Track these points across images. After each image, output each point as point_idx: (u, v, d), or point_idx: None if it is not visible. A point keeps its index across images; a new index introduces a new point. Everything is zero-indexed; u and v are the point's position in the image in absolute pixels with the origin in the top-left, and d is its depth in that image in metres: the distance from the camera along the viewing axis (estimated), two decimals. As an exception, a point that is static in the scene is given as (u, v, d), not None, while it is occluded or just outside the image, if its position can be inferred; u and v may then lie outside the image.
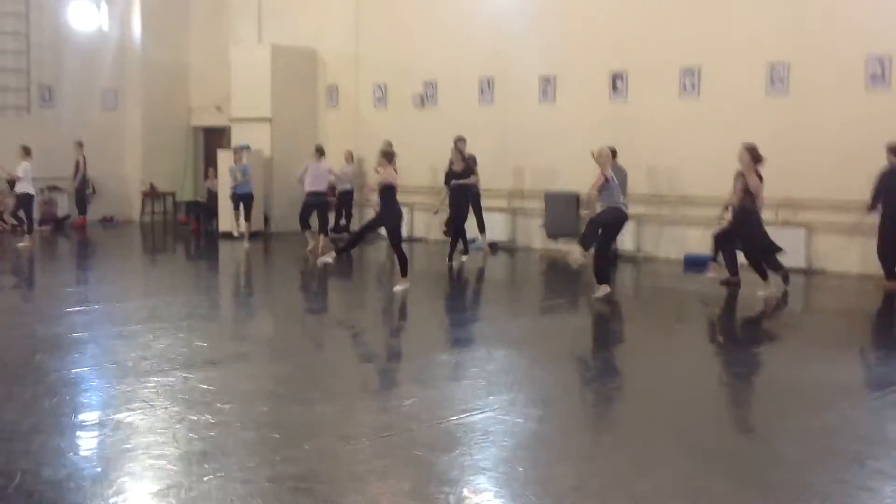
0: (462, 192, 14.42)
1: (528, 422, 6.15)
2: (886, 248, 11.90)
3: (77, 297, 11.68)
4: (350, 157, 18.26)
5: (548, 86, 16.36)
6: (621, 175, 14.23)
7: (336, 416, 6.26)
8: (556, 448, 5.66)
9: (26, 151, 16.50)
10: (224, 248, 17.12)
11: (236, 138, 19.39)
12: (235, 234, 17.28)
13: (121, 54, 21.17)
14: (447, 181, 14.54)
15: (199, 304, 11.30)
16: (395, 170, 11.77)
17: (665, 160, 14.68)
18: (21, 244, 16.22)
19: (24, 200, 16.65)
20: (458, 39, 17.33)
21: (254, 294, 12.79)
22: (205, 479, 4.98)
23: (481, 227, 15.65)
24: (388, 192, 11.48)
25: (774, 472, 5.11)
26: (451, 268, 14.02)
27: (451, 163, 14.60)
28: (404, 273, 11.58)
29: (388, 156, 11.71)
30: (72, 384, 7.16)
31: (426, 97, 18.01)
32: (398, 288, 11.50)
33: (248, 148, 18.42)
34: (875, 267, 12.34)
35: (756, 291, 11.26)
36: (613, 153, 14.53)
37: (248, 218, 17.11)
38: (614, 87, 15.57)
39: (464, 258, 14.67)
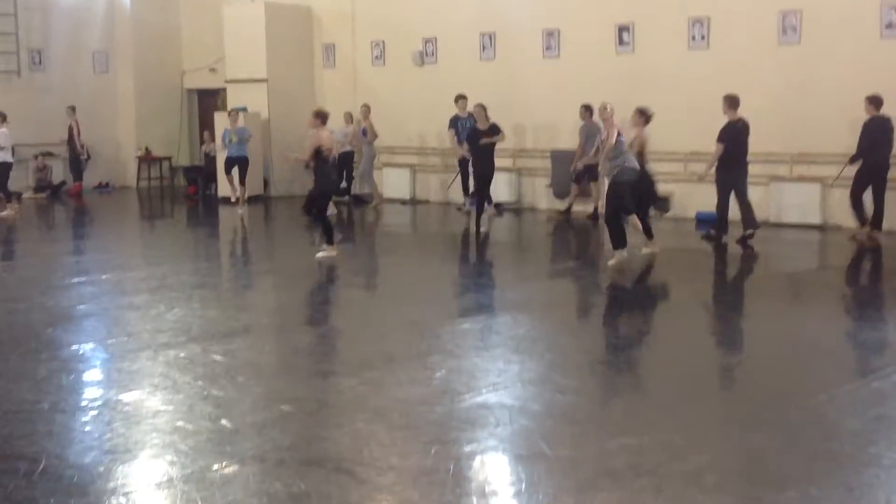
0: (490, 151, 13.67)
1: (566, 394, 5.95)
2: (859, 195, 12.11)
3: (80, 266, 11.40)
4: (349, 118, 17.84)
5: (551, 40, 15.99)
6: (596, 132, 14.02)
7: (366, 390, 6.04)
8: (600, 422, 5.46)
9: (2, 118, 15.93)
10: (224, 213, 16.80)
11: (232, 100, 18.98)
12: (233, 199, 16.92)
13: (111, 16, 20.62)
14: (470, 140, 13.90)
15: (207, 273, 11.05)
16: (328, 132, 11.11)
17: (674, 114, 14.31)
18: (2, 214, 15.59)
19: (1, 169, 15.82)
20: (458, -7, 16.92)
21: (262, 261, 12.50)
22: (238, 460, 4.77)
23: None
24: (318, 157, 10.82)
25: (834, 444, 4.92)
26: (478, 231, 13.43)
27: (475, 121, 14.10)
28: (330, 241, 11.08)
29: (320, 116, 11.02)
30: (87, 360, 6.94)
31: (426, 54, 17.61)
32: (321, 255, 11.02)
33: (244, 110, 18.02)
34: (892, 221, 12.16)
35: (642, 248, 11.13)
36: (589, 111, 14.33)
37: (242, 182, 16.76)
38: (620, 40, 15.21)
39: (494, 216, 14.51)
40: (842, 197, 13.05)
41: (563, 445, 4.99)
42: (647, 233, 11.25)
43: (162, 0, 20.89)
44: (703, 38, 14.39)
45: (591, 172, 14.21)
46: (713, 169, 12.16)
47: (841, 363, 6.60)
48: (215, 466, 4.70)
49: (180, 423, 5.37)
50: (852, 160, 12.08)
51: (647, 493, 4.37)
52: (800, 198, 13.44)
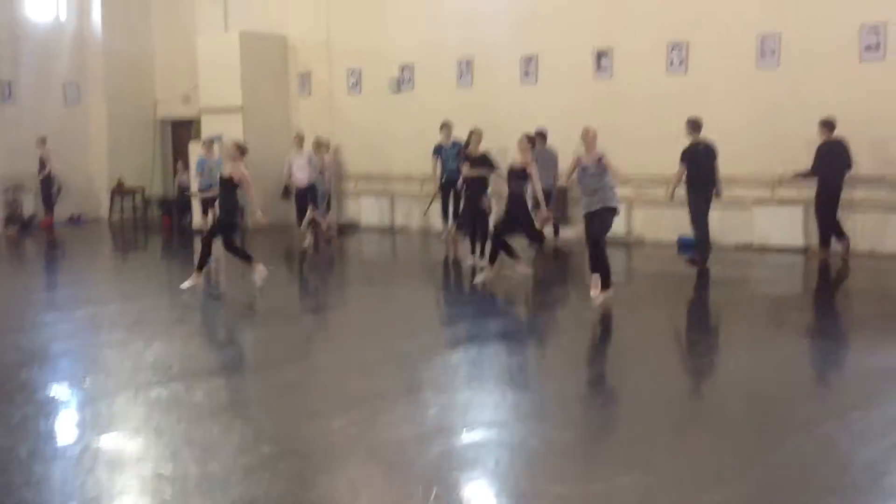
0: (481, 184, 12.70)
1: (565, 430, 5.75)
2: (824, 218, 12.46)
3: (53, 302, 11.10)
4: (326, 147, 17.66)
5: (529, 66, 15.93)
6: (552, 158, 13.94)
7: (358, 430, 5.81)
8: (604, 458, 5.26)
9: None
10: (200, 245, 16.47)
11: (206, 129, 18.73)
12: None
13: (81, 46, 20.37)
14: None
15: (186, 307, 10.76)
16: (244, 166, 11.12)
17: (653, 139, 14.28)
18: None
19: None
20: (434, 21, 16.84)
21: (241, 293, 12.23)
22: (231, 510, 4.53)
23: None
24: (229, 185, 11.05)
25: (848, 477, 4.76)
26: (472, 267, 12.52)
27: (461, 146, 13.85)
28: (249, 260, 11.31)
29: (240, 150, 11.16)
30: (65, 402, 6.66)
31: (402, 81, 17.49)
32: (186, 284, 11.07)
33: (219, 138, 17.77)
34: (876, 244, 12.18)
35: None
36: (543, 137, 14.16)
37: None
38: (599, 65, 15.17)
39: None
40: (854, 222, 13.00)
41: (568, 481, 4.80)
42: (492, 257, 11.20)
43: (134, 29, 20.69)
44: (681, 63, 14.38)
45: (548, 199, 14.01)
46: (683, 190, 12.20)
47: (841, 390, 6.45)
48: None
49: (164, 469, 5.12)
50: (800, 175, 12.53)
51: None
52: (782, 221, 13.39)
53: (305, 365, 7.81)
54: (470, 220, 12.79)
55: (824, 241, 12.51)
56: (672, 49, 14.40)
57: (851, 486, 4.70)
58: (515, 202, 11.05)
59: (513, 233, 11.23)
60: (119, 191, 20.32)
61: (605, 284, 9.72)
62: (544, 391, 6.87)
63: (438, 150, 15.55)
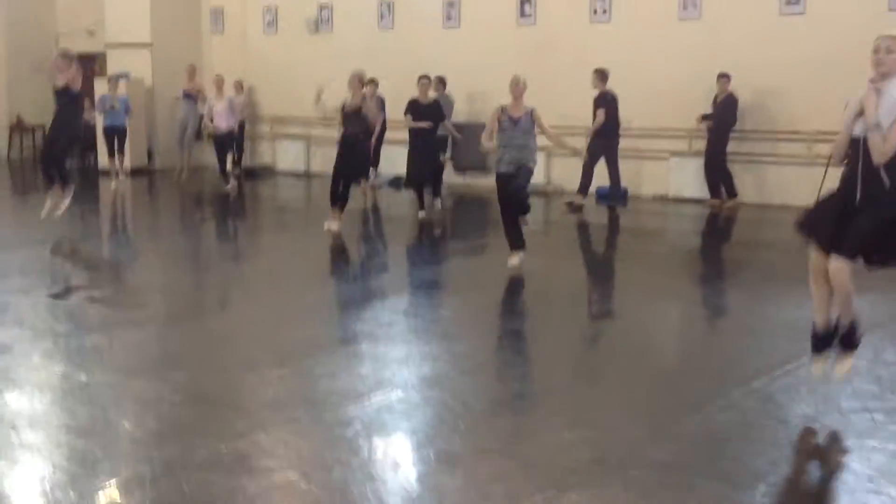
0: (428, 136, 12.52)
1: (504, 384, 5.71)
2: (714, 170, 13.06)
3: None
4: (240, 87, 17.15)
5: (452, 10, 15.66)
6: (449, 105, 13.92)
7: (303, 381, 5.65)
8: (549, 413, 5.22)
9: None
10: (105, 187, 15.86)
11: (112, 66, 17.95)
12: (112, 174, 15.85)
13: (-24, -26, 19.24)
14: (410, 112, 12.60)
15: (97, 253, 10.35)
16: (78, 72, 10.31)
17: (576, 87, 14.22)
18: None
19: None
20: (355, -41, 16.41)
21: (154, 239, 11.81)
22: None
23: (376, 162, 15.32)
24: (65, 95, 10.20)
25: (788, 431, 4.84)
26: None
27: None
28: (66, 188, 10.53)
29: (67, 56, 10.36)
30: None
31: (320, 21, 17.01)
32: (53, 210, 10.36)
33: (127, 76, 17.07)
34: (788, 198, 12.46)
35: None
36: (443, 82, 14.21)
37: (121, 151, 15.79)
38: (522, 12, 15.01)
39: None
40: (744, 173, 13.29)
41: (520, 439, 4.75)
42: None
43: (33, -43, 19.59)
44: (605, 11, 14.33)
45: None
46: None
47: (773, 344, 6.55)
48: (133, 472, 4.26)
49: (95, 427, 4.88)
50: (707, 118, 13.09)
51: (615, 489, 4.17)
52: (698, 172, 13.54)
53: (228, 315, 7.57)
54: (419, 174, 12.35)
55: (718, 191, 13.08)
56: (596, -4, 14.33)
57: (791, 440, 4.77)
58: (350, 144, 10.83)
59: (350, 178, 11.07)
60: (18, 128, 19.37)
61: (522, 245, 8.97)
62: (479, 343, 6.81)
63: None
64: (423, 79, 12.65)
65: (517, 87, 8.85)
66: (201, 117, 16.73)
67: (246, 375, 5.79)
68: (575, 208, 12.89)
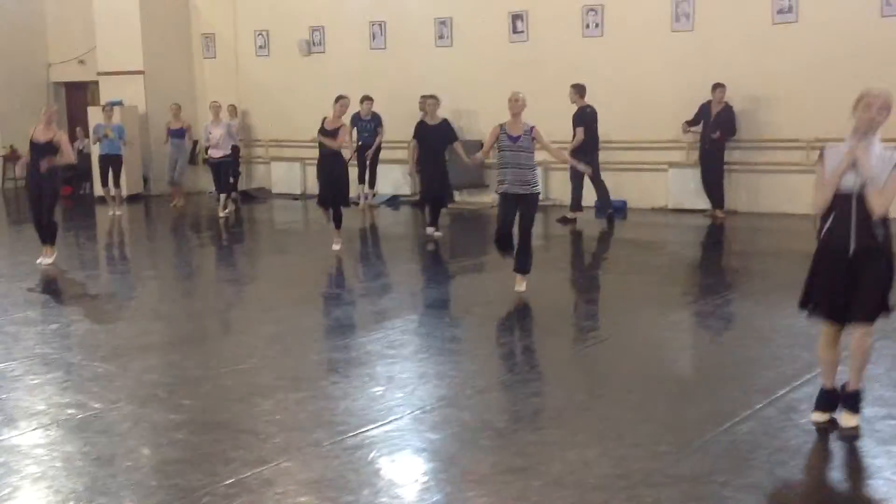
0: (440, 158, 12.35)
1: (524, 402, 5.69)
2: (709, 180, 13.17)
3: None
4: (234, 111, 17.16)
5: (444, 29, 15.70)
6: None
7: (320, 404, 5.61)
8: (571, 429, 5.18)
9: None
10: (102, 214, 15.81)
11: (105, 94, 17.93)
12: (109, 202, 15.72)
13: (-35, 4, 19.21)
14: (420, 138, 12.30)
15: (100, 280, 10.29)
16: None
17: (570, 103, 14.25)
18: None
19: None
20: (345, -20, 16.44)
21: (154, 266, 11.76)
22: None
23: (373, 181, 15.54)
24: (49, 150, 10.29)
25: (815, 443, 4.83)
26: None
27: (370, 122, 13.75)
28: (51, 241, 10.54)
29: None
30: (-11, 387, 6.23)
31: (313, 44, 17.04)
32: (45, 260, 10.39)
33: (120, 104, 17.05)
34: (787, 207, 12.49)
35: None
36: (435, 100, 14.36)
37: (117, 183, 15.68)
38: (514, 28, 15.06)
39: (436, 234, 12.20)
40: (738, 182, 13.34)
41: (541, 458, 4.72)
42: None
43: (23, -12, 19.58)
44: (597, 25, 14.39)
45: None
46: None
47: (794, 355, 6.54)
48: (158, 500, 4.21)
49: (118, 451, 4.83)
50: (688, 124, 13.24)
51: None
52: (696, 184, 13.56)
53: (237, 339, 7.53)
54: (431, 192, 12.18)
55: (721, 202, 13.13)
56: (588, 12, 14.38)
57: (818, 448, 4.76)
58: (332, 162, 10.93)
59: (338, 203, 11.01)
60: (12, 158, 19.27)
61: (528, 270, 8.60)
62: (492, 361, 6.79)
63: (355, 121, 15.21)
64: (430, 98, 12.33)
65: (516, 104, 8.41)
66: (193, 147, 16.74)
67: (261, 400, 5.74)
68: (569, 221, 12.89)
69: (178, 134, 16.49)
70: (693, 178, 13.57)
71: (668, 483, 4.36)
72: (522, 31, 15.01)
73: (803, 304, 5.08)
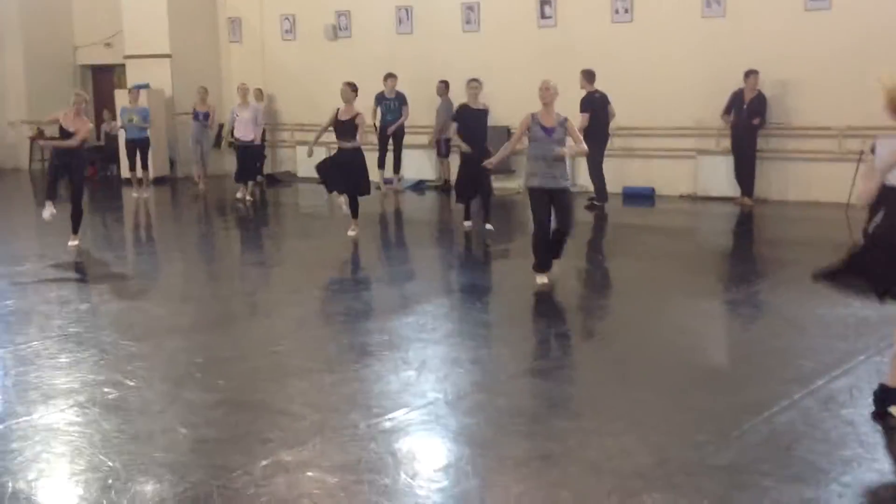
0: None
1: (565, 385, 5.67)
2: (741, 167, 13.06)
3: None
4: (260, 94, 17.15)
5: (471, 14, 15.61)
6: (449, 108, 13.58)
7: (354, 387, 5.61)
8: (608, 416, 5.15)
9: None
10: (128, 196, 15.84)
11: (132, 77, 17.98)
12: (135, 185, 15.68)
13: (-6, -12, 19.29)
14: (462, 121, 11.45)
15: (128, 261, 10.33)
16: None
17: (599, 88, 14.13)
18: None
19: None
20: (372, -36, 16.38)
21: (182, 248, 11.79)
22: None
23: (398, 166, 15.54)
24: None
25: (856, 435, 4.77)
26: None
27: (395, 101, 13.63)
28: (76, 230, 10.54)
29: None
30: (34, 357, 6.25)
31: (339, 28, 16.99)
32: (73, 243, 10.43)
33: (146, 87, 17.09)
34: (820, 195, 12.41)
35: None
36: (446, 86, 14.53)
37: (144, 166, 15.71)
38: (542, 14, 14.95)
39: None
40: (768, 170, 13.21)
41: (578, 445, 4.69)
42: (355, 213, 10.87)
43: (50, -29, 19.62)
44: (626, 10, 14.25)
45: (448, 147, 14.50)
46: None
47: (831, 345, 6.47)
48: (198, 478, 4.21)
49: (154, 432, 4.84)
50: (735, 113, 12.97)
51: (688, 493, 4.11)
52: (725, 171, 13.44)
53: (270, 321, 7.53)
54: (469, 185, 11.38)
55: (751, 189, 13.00)
56: (617, -4, 14.26)
57: (859, 439, 4.70)
58: (350, 155, 10.55)
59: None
60: (39, 139, 19.37)
61: (550, 267, 8.29)
62: (525, 347, 6.76)
63: (379, 100, 15.25)
64: (473, 82, 11.55)
65: (547, 93, 8.01)
66: (218, 131, 16.71)
67: (296, 382, 5.74)
68: (596, 206, 12.84)
69: (202, 117, 16.50)
70: (722, 165, 13.45)
71: (707, 472, 4.33)
72: (550, 17, 14.90)
73: (875, 293, 4.89)
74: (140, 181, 15.56)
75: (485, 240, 10.86)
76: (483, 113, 11.52)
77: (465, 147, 11.17)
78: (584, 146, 8.43)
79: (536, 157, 8.06)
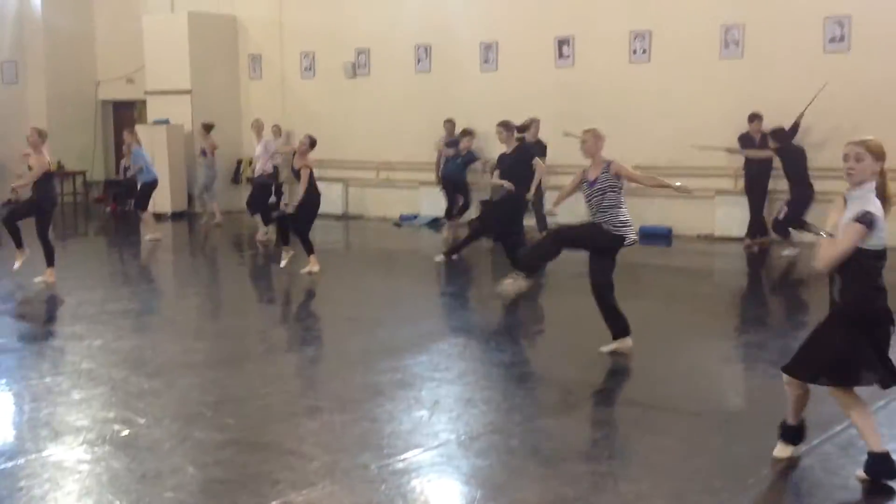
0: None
1: (580, 429, 5.61)
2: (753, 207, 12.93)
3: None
4: (278, 131, 17.24)
5: (489, 53, 15.70)
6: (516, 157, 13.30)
7: (366, 427, 5.55)
8: (627, 461, 5.08)
9: None
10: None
11: (152, 112, 18.17)
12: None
13: (20, 23, 19.51)
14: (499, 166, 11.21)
15: (146, 298, 10.33)
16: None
17: (614, 128, 14.03)
18: None
19: None
20: (392, 3, 16.50)
21: (196, 284, 11.80)
22: None
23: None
24: (44, 177, 10.52)
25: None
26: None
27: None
28: (50, 262, 10.52)
29: (44, 136, 10.66)
30: (46, 393, 6.23)
31: (358, 66, 17.12)
32: (38, 280, 10.39)
33: (166, 122, 17.26)
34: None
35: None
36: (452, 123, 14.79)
37: (142, 207, 14.83)
38: (560, 53, 15.01)
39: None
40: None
41: (593, 490, 4.62)
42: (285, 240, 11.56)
43: (75, 8, 19.86)
44: (644, 51, 14.29)
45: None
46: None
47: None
48: None
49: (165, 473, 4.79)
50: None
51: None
52: (744, 211, 13.37)
53: (282, 359, 7.49)
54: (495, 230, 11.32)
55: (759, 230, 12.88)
56: (635, 38, 14.30)
57: (879, 490, 4.60)
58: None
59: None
60: (59, 174, 19.51)
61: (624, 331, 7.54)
62: (540, 388, 6.69)
63: (452, 145, 15.13)
64: (497, 126, 11.13)
65: (584, 146, 7.42)
66: (237, 166, 16.70)
67: (306, 421, 5.70)
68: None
69: (201, 152, 16.58)
70: (740, 205, 13.38)
71: (725, 519, 4.25)
72: (569, 56, 14.96)
73: (844, 380, 4.80)
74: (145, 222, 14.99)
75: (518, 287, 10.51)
76: (512, 156, 10.98)
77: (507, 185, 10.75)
78: (651, 178, 8.09)
79: (590, 212, 7.43)
